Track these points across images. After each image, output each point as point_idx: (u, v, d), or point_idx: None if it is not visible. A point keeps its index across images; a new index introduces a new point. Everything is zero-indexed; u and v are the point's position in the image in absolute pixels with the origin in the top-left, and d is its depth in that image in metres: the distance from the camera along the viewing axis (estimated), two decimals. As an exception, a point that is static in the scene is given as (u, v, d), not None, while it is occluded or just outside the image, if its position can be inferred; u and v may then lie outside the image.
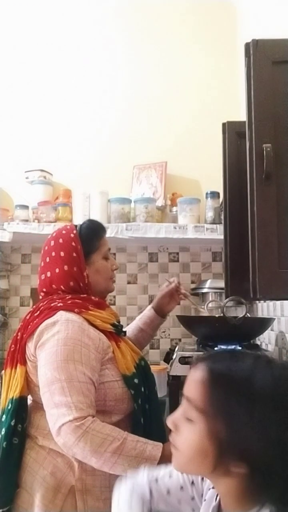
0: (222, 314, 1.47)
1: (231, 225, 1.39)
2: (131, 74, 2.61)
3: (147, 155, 2.48)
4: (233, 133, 1.40)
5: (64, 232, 1.28)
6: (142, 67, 2.61)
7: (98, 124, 2.58)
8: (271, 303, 1.77)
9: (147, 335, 1.53)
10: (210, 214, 2.29)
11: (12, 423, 1.13)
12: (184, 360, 1.49)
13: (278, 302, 1.65)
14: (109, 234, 2.16)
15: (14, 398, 1.14)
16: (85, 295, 1.23)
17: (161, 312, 1.53)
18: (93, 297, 1.24)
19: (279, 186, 0.89)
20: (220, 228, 2.18)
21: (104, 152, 2.54)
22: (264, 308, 1.90)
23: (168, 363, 1.89)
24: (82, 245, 1.26)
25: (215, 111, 2.37)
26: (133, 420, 1.16)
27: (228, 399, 0.64)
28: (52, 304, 1.18)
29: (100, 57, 2.62)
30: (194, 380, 0.68)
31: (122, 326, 1.29)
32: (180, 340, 2.42)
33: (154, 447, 1.03)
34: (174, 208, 2.37)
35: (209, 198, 2.31)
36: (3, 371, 1.24)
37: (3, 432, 1.13)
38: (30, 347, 1.16)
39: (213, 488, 0.74)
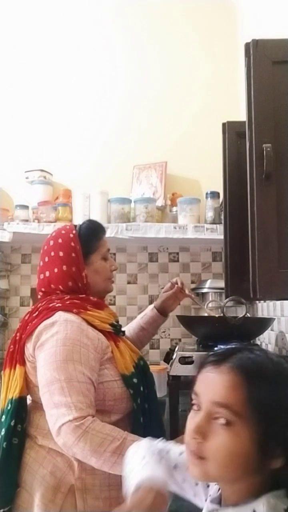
0: (222, 314, 1.47)
1: (231, 225, 1.39)
2: (131, 74, 2.61)
3: (147, 155, 2.48)
4: (233, 133, 1.40)
5: (63, 232, 1.29)
6: (142, 67, 2.61)
7: (98, 124, 2.58)
8: (271, 303, 1.77)
9: (149, 333, 1.54)
10: (210, 214, 2.29)
11: (12, 424, 1.13)
12: (184, 360, 1.49)
13: (278, 302, 1.65)
14: (109, 234, 2.16)
15: (13, 398, 1.15)
16: (83, 295, 1.23)
17: (164, 313, 1.53)
18: (91, 297, 1.25)
19: (279, 186, 0.89)
20: (220, 228, 2.18)
21: (104, 152, 2.54)
22: (264, 308, 1.90)
23: (168, 363, 1.89)
24: (81, 245, 1.26)
25: (215, 111, 2.37)
26: (133, 420, 1.16)
27: (266, 396, 0.64)
28: (50, 305, 1.19)
29: (100, 57, 2.62)
30: (226, 384, 0.66)
31: (120, 326, 1.30)
32: (180, 340, 2.42)
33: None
34: (174, 208, 2.37)
35: (209, 198, 2.31)
36: (2, 372, 1.24)
37: (2, 433, 1.14)
38: (28, 347, 1.16)
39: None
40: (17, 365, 1.18)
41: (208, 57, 2.58)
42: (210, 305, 2.04)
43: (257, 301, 2.01)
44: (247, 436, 0.63)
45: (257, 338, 1.91)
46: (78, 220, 2.20)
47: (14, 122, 2.59)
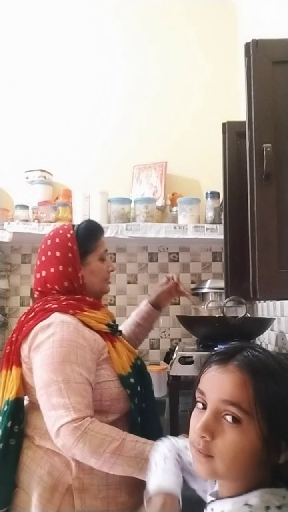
0: (222, 314, 1.47)
1: (231, 225, 1.39)
2: (131, 74, 2.61)
3: (147, 155, 2.48)
4: (233, 133, 1.39)
5: (61, 231, 1.29)
6: (142, 67, 2.61)
7: (98, 124, 2.58)
8: (271, 303, 1.77)
9: (145, 329, 1.54)
10: (210, 214, 2.29)
11: (9, 425, 1.13)
12: (184, 360, 1.49)
13: (278, 302, 1.65)
14: (109, 234, 2.17)
15: (9, 399, 1.14)
16: (79, 296, 1.23)
17: (158, 307, 1.53)
18: (87, 298, 1.24)
19: (279, 186, 0.89)
20: (220, 228, 2.18)
21: (104, 152, 2.54)
22: (264, 308, 1.90)
23: (168, 363, 1.89)
24: (79, 245, 1.26)
25: (215, 111, 2.38)
26: (130, 419, 1.16)
27: (272, 393, 0.65)
28: (46, 306, 1.18)
29: (100, 57, 2.62)
30: (235, 383, 0.67)
31: (117, 326, 1.30)
32: (180, 340, 2.42)
33: (153, 447, 1.03)
34: (174, 208, 2.37)
35: (209, 198, 2.31)
36: None
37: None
38: (24, 349, 1.16)
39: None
40: (14, 367, 1.17)
41: (208, 57, 2.58)
42: (210, 305, 2.04)
43: (257, 301, 2.01)
44: (254, 433, 0.64)
45: (257, 338, 1.90)
46: (78, 220, 2.20)
47: (14, 122, 2.59)
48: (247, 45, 0.93)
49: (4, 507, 1.11)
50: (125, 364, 1.19)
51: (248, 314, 1.46)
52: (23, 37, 2.64)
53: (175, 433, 1.36)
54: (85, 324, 1.16)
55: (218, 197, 2.28)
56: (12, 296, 2.50)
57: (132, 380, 1.18)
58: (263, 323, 1.60)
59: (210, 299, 2.15)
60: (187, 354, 1.52)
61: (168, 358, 2.01)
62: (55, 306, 1.17)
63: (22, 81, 2.61)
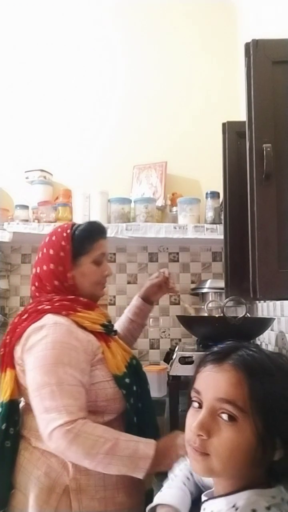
0: (222, 314, 1.47)
1: (231, 225, 1.39)
2: (131, 74, 2.61)
3: (147, 155, 2.48)
4: (233, 133, 1.39)
5: (59, 230, 1.29)
6: (142, 67, 2.61)
7: (98, 124, 2.58)
8: (271, 303, 1.77)
9: (138, 325, 1.52)
10: (210, 214, 2.29)
11: (3, 427, 1.13)
12: (184, 360, 1.49)
13: (278, 302, 1.65)
14: (109, 234, 2.13)
15: (3, 402, 1.14)
16: (73, 296, 1.22)
17: (148, 301, 1.51)
18: (81, 298, 1.23)
19: (279, 186, 0.89)
20: (220, 228, 2.18)
21: (104, 152, 2.54)
22: (264, 308, 1.90)
23: (168, 363, 1.89)
24: (73, 245, 1.24)
25: (215, 111, 2.37)
26: (126, 419, 1.16)
27: (267, 391, 0.66)
28: (39, 307, 1.18)
29: (100, 57, 2.62)
30: (230, 382, 0.67)
31: (112, 326, 1.29)
32: (180, 340, 2.42)
33: (147, 445, 1.03)
34: (174, 208, 2.37)
35: (209, 198, 2.31)
36: None
37: None
38: (17, 350, 1.15)
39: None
40: (7, 369, 1.17)
41: (208, 57, 2.58)
42: (210, 305, 2.04)
43: (257, 301, 2.01)
44: (250, 431, 0.65)
45: (257, 338, 1.90)
46: (78, 220, 2.20)
47: (14, 122, 2.59)
48: (247, 45, 0.93)
49: (1, 509, 1.11)
50: (119, 364, 1.18)
51: (248, 314, 1.46)
52: (23, 37, 2.64)
53: (175, 433, 1.36)
54: (79, 325, 1.16)
55: (218, 197, 2.28)
56: (12, 296, 2.50)
57: (127, 380, 1.17)
58: (263, 323, 1.60)
59: (210, 299, 2.15)
60: (187, 354, 1.52)
61: (168, 358, 2.01)
62: (48, 307, 1.17)
63: (22, 81, 2.61)
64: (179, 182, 2.49)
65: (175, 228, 2.24)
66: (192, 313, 1.66)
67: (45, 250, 1.25)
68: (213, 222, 2.26)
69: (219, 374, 0.69)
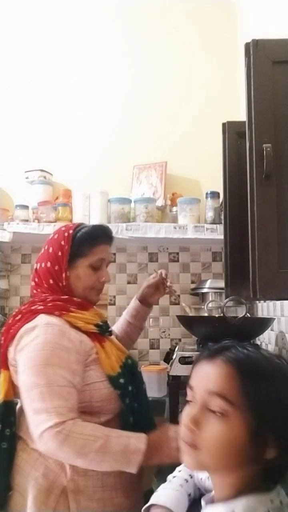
0: (222, 314, 1.47)
1: (231, 225, 1.39)
2: (131, 74, 2.61)
3: (147, 155, 2.48)
4: (233, 133, 1.40)
5: (63, 229, 1.28)
6: (142, 67, 2.61)
7: (98, 124, 2.58)
8: (271, 303, 1.77)
9: (135, 327, 1.51)
10: (210, 214, 2.29)
11: None
12: (184, 360, 1.49)
13: (278, 302, 1.65)
14: (109, 234, 2.16)
15: None
16: (67, 297, 1.21)
17: (146, 303, 1.50)
18: (75, 298, 1.22)
19: (279, 186, 0.89)
20: (220, 228, 2.18)
21: (104, 152, 2.54)
22: (264, 308, 1.90)
23: (168, 363, 1.89)
24: (72, 246, 1.24)
25: (215, 111, 2.38)
26: (122, 420, 1.16)
27: (259, 388, 0.66)
28: (32, 308, 1.18)
29: (100, 57, 2.62)
30: (220, 375, 0.68)
31: (107, 326, 1.28)
32: (180, 340, 2.42)
33: (138, 440, 1.03)
34: (174, 208, 2.37)
35: (209, 198, 2.31)
36: None
37: None
38: (10, 351, 1.15)
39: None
40: (1, 370, 1.17)
41: (208, 57, 2.58)
42: (210, 305, 2.04)
43: (257, 301, 2.01)
44: (240, 426, 0.65)
45: (257, 338, 1.91)
46: (78, 220, 2.20)
47: (14, 122, 2.59)
48: (247, 45, 0.93)
49: (0, 510, 1.10)
50: (114, 365, 1.17)
51: (248, 314, 1.46)
52: (23, 37, 2.64)
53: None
54: (72, 325, 1.15)
55: (218, 197, 2.28)
56: (12, 296, 2.50)
57: (121, 380, 1.16)
58: (263, 323, 1.60)
59: (210, 299, 2.15)
60: (187, 354, 1.53)
61: (168, 358, 2.01)
62: (41, 307, 1.16)
63: (22, 81, 2.61)
64: (179, 182, 2.49)
65: (175, 228, 2.24)
66: (188, 312, 1.66)
67: (46, 247, 1.26)
68: (213, 222, 2.26)
69: (211, 368, 0.70)
